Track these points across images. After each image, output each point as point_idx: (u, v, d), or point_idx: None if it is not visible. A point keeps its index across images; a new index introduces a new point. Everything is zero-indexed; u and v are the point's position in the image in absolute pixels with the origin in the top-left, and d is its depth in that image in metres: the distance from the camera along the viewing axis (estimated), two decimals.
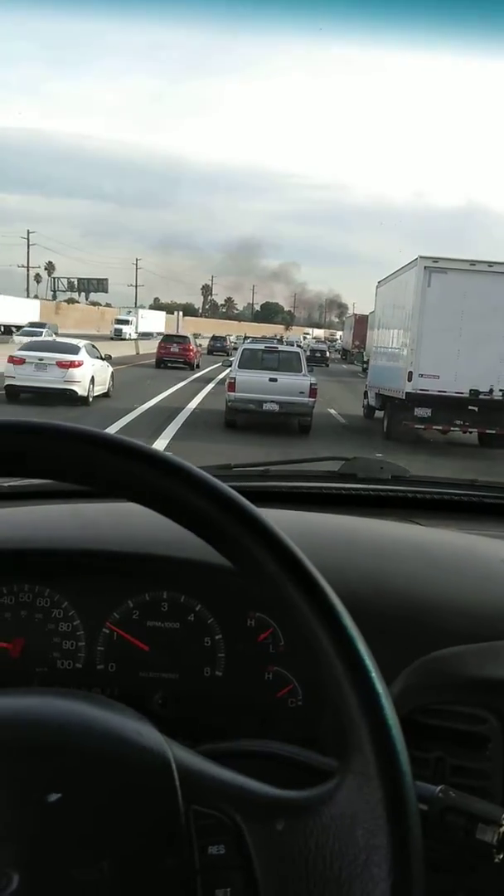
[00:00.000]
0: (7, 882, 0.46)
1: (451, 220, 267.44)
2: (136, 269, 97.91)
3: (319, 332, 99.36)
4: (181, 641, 0.92)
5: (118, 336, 45.57)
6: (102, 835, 0.49)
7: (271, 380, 11.88)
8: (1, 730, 0.53)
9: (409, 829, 0.48)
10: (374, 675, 0.51)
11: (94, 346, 15.28)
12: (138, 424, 11.51)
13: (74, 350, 13.74)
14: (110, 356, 15.85)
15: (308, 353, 34.10)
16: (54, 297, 72.27)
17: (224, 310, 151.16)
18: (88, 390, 13.53)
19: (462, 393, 11.09)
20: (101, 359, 14.89)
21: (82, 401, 13.21)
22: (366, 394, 15.46)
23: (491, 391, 11.09)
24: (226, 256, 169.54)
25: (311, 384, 12.04)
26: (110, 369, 15.39)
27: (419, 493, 1.43)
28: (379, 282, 16.01)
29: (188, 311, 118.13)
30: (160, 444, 9.65)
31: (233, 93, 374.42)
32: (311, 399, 12.00)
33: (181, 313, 53.84)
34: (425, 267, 11.33)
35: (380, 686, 0.51)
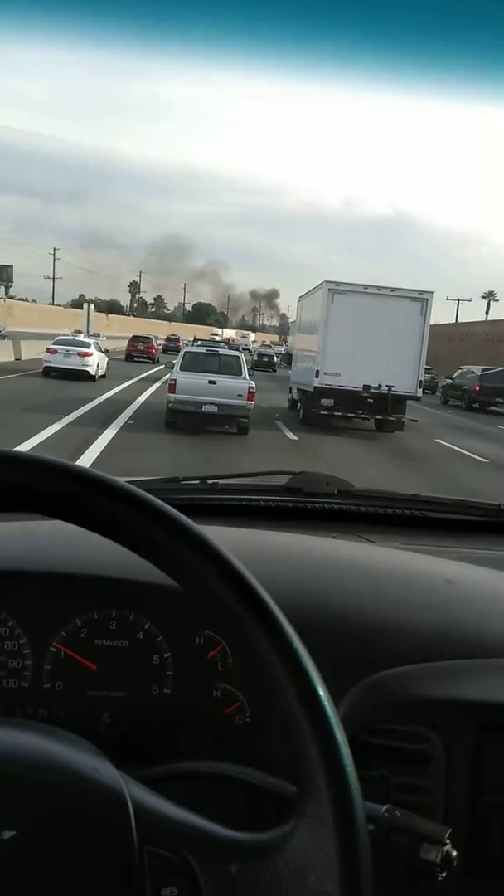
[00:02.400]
0: None
1: (378, 228, 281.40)
2: (54, 259, 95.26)
3: (253, 336, 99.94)
4: (130, 659, 0.94)
5: None
6: (56, 874, 0.50)
7: (210, 382, 12.85)
8: None
9: (360, 879, 0.50)
10: (335, 722, 0.53)
11: (98, 344, 24.36)
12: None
13: (87, 345, 22.58)
14: (107, 350, 25.93)
15: (255, 358, 36.93)
16: None
17: (154, 309, 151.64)
18: (96, 371, 21.94)
19: (357, 388, 15.16)
20: (103, 352, 24.23)
21: (92, 378, 21.36)
22: (290, 389, 19.61)
23: (379, 386, 15.24)
24: (155, 256, 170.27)
25: (250, 387, 13.04)
26: (107, 359, 24.24)
27: (364, 507, 1.53)
28: (300, 297, 20.37)
29: (114, 308, 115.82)
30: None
31: (166, 94, 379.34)
32: (249, 402, 12.95)
33: (90, 306, 46.91)
34: (329, 289, 15.49)
35: (339, 735, 0.53)
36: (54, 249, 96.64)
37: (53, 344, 22.31)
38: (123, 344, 40.13)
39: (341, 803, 0.51)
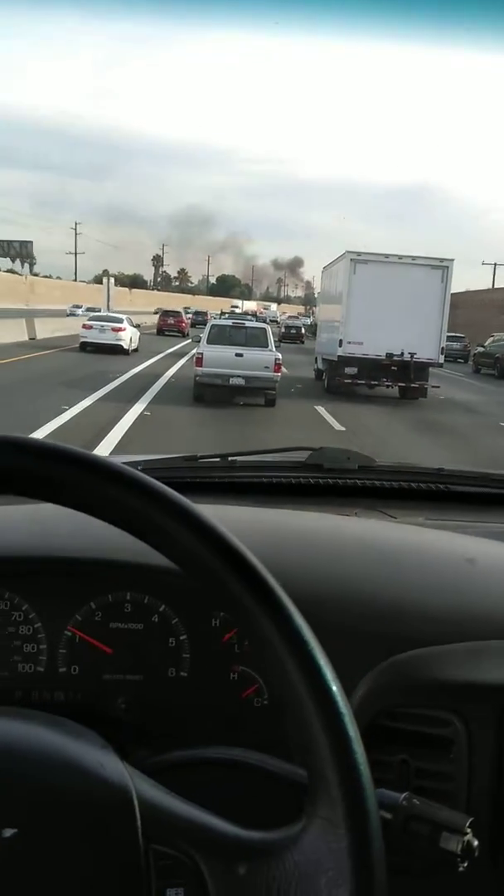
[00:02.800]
0: None
1: (401, 197, 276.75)
2: (76, 234, 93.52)
3: (275, 307, 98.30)
4: (145, 642, 0.95)
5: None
6: (59, 872, 0.50)
7: (237, 355, 13.12)
8: None
9: (373, 880, 0.49)
10: (347, 717, 0.52)
11: (130, 318, 25.44)
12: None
13: (121, 321, 23.87)
14: (139, 325, 27.79)
15: (283, 331, 34.96)
16: None
17: (178, 283, 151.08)
18: (129, 345, 23.43)
19: (380, 356, 15.63)
20: (135, 327, 25.73)
21: (125, 352, 22.82)
22: (316, 359, 20.14)
23: (402, 354, 15.65)
24: (177, 229, 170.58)
25: (276, 359, 13.31)
26: (139, 333, 25.99)
27: (386, 482, 1.52)
28: (323, 268, 20.80)
29: (137, 283, 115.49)
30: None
31: (180, 66, 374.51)
32: (276, 374, 13.22)
33: (111, 281, 45.51)
34: (351, 259, 15.94)
35: (352, 730, 0.51)
36: (76, 224, 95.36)
37: (89, 320, 23.93)
38: (146, 319, 41.05)
39: (353, 803, 0.50)
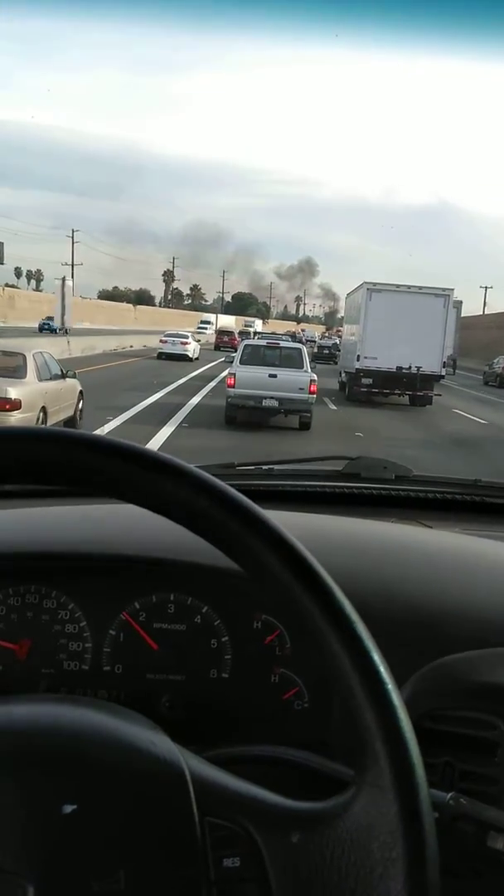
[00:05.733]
0: (22, 893, 0.50)
1: (422, 217, 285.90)
2: (73, 243, 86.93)
3: (259, 324, 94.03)
4: (188, 643, 1.01)
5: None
6: (118, 846, 0.54)
7: (271, 375, 13.47)
8: (17, 738, 0.58)
9: (425, 843, 0.52)
10: (391, 687, 0.56)
11: (194, 335, 39.41)
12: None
13: (187, 337, 36.40)
14: (199, 339, 40.96)
15: (315, 351, 37.28)
16: None
17: (190, 300, 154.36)
18: (193, 355, 34.61)
19: (391, 369, 20.00)
20: (197, 341, 37.99)
21: (190, 359, 33.39)
22: (340, 373, 24.63)
23: (410, 367, 20.03)
24: (189, 247, 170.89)
25: (312, 380, 13.62)
26: (199, 346, 37.70)
27: (422, 492, 1.62)
28: (346, 295, 25.77)
29: (143, 299, 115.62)
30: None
31: (202, 88, 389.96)
32: (311, 395, 13.53)
33: (68, 284, 37.50)
34: (367, 288, 20.57)
35: (396, 699, 0.55)
36: (73, 231, 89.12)
37: (165, 336, 36.32)
38: (147, 341, 42.70)
39: (401, 768, 0.54)
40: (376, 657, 0.57)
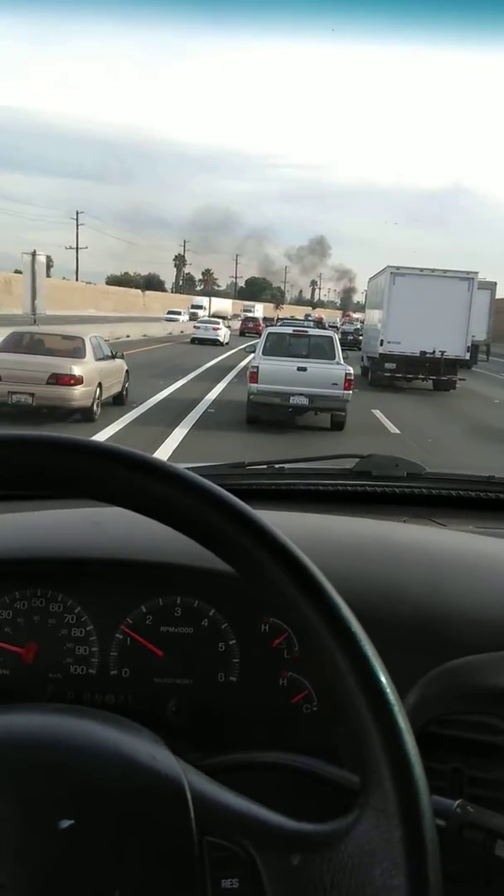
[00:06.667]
0: None
1: (436, 200, 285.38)
2: (77, 225, 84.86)
3: (260, 308, 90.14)
4: (195, 647, 1.03)
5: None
6: (115, 863, 0.54)
7: (300, 369, 12.01)
8: (16, 751, 0.58)
9: (427, 874, 0.52)
10: (397, 709, 0.55)
11: (226, 319, 48.89)
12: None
13: (218, 323, 41.66)
14: (230, 325, 47.86)
15: (340, 337, 42.20)
16: None
17: (202, 285, 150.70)
18: (224, 339, 39.20)
19: (415, 353, 20.49)
20: (227, 327, 43.32)
21: (221, 344, 37.23)
22: (362, 358, 25.05)
23: (434, 352, 20.48)
24: (201, 232, 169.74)
25: (347, 374, 12.07)
26: (229, 331, 42.78)
27: (435, 489, 1.65)
28: (369, 279, 26.37)
29: (152, 284, 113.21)
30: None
31: (214, 74, 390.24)
32: (345, 391, 12.02)
33: (38, 261, 25.28)
34: (391, 273, 21.11)
35: (402, 721, 0.55)
36: (77, 213, 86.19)
37: (198, 323, 42.20)
38: (154, 329, 45.28)
39: (406, 793, 0.53)
40: (383, 678, 0.57)
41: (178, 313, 60.76)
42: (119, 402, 13.07)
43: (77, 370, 10.86)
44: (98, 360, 11.73)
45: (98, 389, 11.42)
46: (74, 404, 10.91)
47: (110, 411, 12.19)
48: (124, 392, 13.40)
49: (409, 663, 0.88)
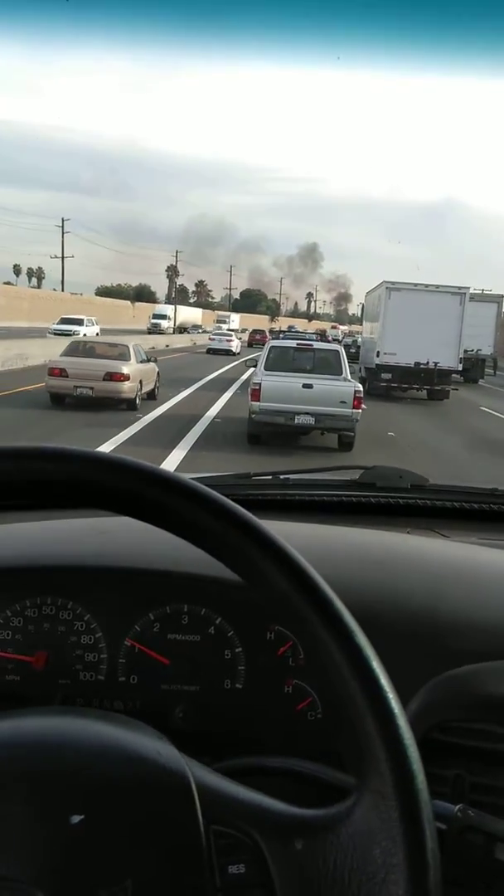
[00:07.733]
0: None
1: (428, 213, 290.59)
2: (63, 232, 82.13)
3: (236, 319, 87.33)
4: (201, 654, 1.07)
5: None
6: (125, 855, 0.57)
7: (305, 386, 11.47)
8: (27, 751, 0.61)
9: (426, 848, 0.54)
10: (389, 693, 0.58)
11: (236, 332, 59.30)
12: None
13: (230, 335, 51.19)
14: (241, 337, 58.66)
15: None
16: None
17: (196, 297, 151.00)
18: (236, 350, 47.08)
19: (410, 364, 21.96)
20: (238, 338, 51.68)
21: (234, 354, 44.59)
22: (360, 368, 26.12)
23: (428, 362, 21.97)
24: (194, 245, 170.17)
25: (356, 391, 11.53)
26: (240, 342, 51.49)
27: (438, 501, 1.71)
28: (366, 293, 28.06)
29: (142, 295, 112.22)
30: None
31: (208, 89, 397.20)
32: (355, 410, 11.41)
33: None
34: (387, 287, 22.68)
35: (396, 706, 0.58)
36: (62, 221, 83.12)
37: (213, 334, 48.47)
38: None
39: (401, 774, 0.56)
40: (376, 665, 0.59)
41: (79, 322, 41.60)
42: (152, 397, 16.46)
43: (125, 369, 14.51)
44: (139, 362, 15.43)
45: (139, 385, 15.06)
46: (123, 396, 14.53)
47: (146, 403, 15.60)
48: (156, 389, 16.90)
49: (412, 671, 0.91)
